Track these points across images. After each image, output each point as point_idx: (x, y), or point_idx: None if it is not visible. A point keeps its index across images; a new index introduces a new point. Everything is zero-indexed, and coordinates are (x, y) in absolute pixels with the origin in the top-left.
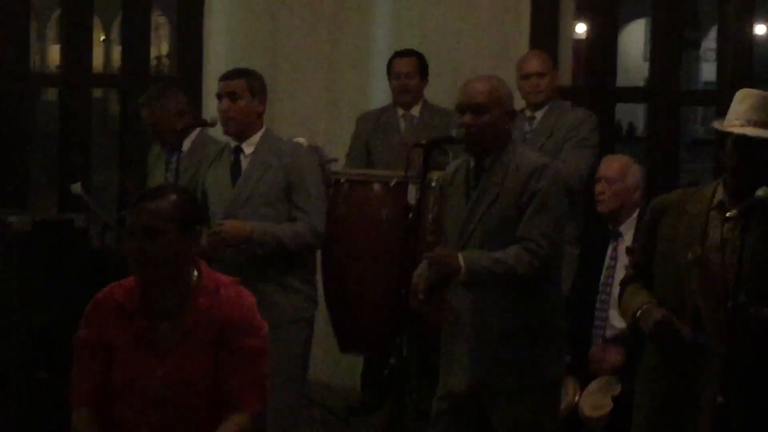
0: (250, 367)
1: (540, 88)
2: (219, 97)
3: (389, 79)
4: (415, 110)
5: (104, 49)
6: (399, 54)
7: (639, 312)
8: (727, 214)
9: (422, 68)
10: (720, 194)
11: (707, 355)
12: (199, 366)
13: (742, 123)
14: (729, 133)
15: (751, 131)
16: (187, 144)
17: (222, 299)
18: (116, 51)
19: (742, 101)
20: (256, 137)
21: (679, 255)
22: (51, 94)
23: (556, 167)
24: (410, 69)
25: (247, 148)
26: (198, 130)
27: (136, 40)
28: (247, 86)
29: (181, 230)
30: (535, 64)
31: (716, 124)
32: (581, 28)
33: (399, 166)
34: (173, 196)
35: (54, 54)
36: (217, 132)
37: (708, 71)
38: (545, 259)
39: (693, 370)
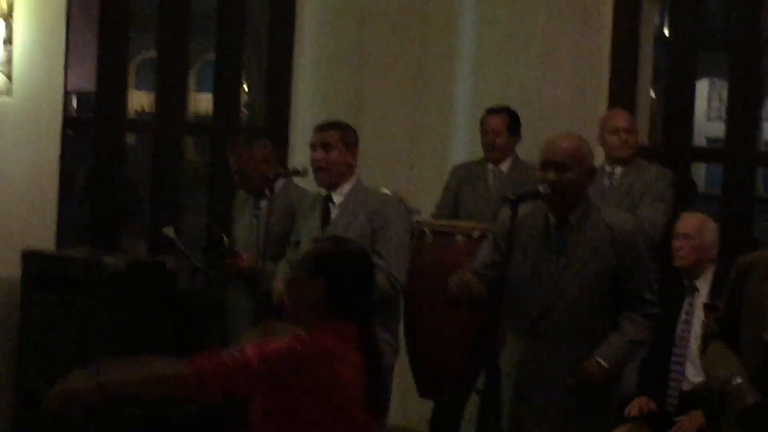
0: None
1: (629, 144)
2: (312, 146)
3: (481, 135)
4: (504, 165)
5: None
6: (490, 111)
7: (730, 385)
8: None
9: (512, 125)
10: None
11: None
12: None
13: None
14: None
15: None
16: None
17: None
18: (203, 99)
19: None
20: (347, 187)
21: (765, 316)
22: (129, 138)
23: (644, 223)
24: (498, 126)
25: (337, 198)
26: (284, 181)
27: (226, 89)
28: (341, 138)
29: None
30: (623, 120)
31: None
32: (659, 89)
33: (484, 219)
34: None
35: (134, 99)
36: (306, 181)
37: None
38: (657, 319)
39: None
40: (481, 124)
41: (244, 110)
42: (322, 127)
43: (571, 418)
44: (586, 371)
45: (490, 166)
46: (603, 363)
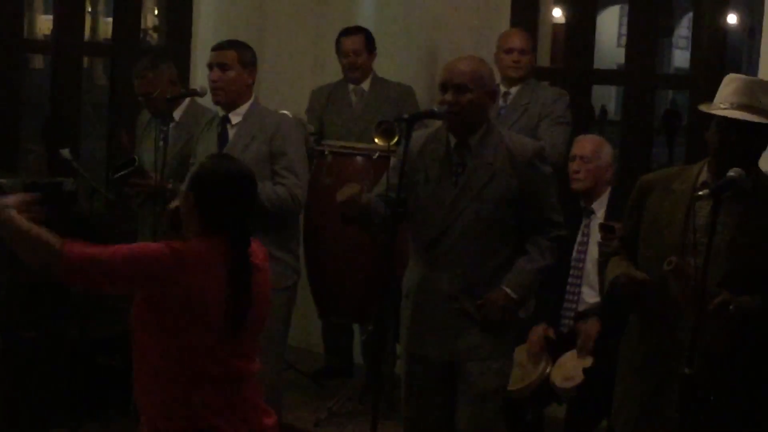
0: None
1: (520, 64)
2: (210, 66)
3: (338, 57)
4: (365, 84)
5: (91, 21)
6: (345, 32)
7: (617, 279)
8: (699, 194)
9: (369, 44)
10: (704, 175)
11: (678, 330)
12: None
13: (726, 106)
14: (714, 115)
15: (731, 113)
16: (178, 113)
17: None
18: (103, 23)
19: (728, 85)
20: (244, 108)
21: (662, 233)
22: (37, 62)
23: (546, 147)
24: (357, 46)
25: (235, 118)
26: (189, 99)
27: (126, 11)
28: (238, 57)
29: None
30: (518, 40)
31: (703, 107)
32: (559, 12)
33: (350, 139)
34: None
35: (42, 23)
36: (208, 102)
37: (679, 58)
38: (562, 239)
39: (666, 342)
40: (337, 47)
41: (153, 33)
42: (219, 47)
43: (471, 341)
44: (492, 302)
45: (351, 86)
46: (511, 293)
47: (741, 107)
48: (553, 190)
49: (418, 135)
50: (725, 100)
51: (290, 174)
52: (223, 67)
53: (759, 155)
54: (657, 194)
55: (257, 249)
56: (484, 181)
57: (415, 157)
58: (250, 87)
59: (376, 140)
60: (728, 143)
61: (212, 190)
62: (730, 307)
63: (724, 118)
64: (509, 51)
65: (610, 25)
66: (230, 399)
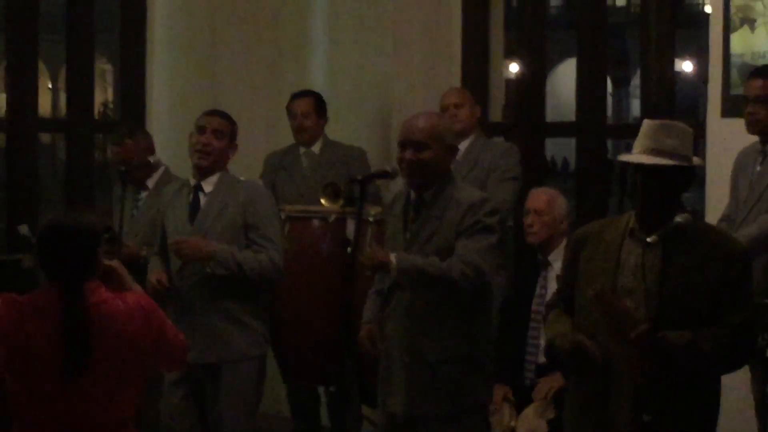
0: None
1: (458, 118)
2: (201, 129)
3: (289, 120)
4: (316, 148)
5: (52, 97)
6: (296, 95)
7: (555, 339)
8: (648, 240)
9: (319, 107)
10: (632, 221)
11: (618, 379)
12: None
13: (639, 151)
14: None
15: (636, 158)
16: (151, 182)
17: None
18: (64, 98)
19: (641, 130)
20: (216, 176)
21: (595, 280)
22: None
23: (495, 202)
24: (306, 109)
25: (207, 187)
26: (163, 168)
27: (80, 87)
28: (231, 130)
29: None
30: (450, 97)
31: (621, 156)
32: (510, 68)
33: (302, 202)
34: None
35: (3, 102)
36: (178, 172)
37: (637, 107)
38: (477, 272)
39: (605, 393)
40: (288, 110)
41: (111, 105)
42: (216, 113)
43: (436, 391)
44: (373, 251)
45: (302, 149)
46: (393, 259)
47: (645, 151)
48: (482, 236)
49: (395, 193)
50: (637, 145)
51: (268, 242)
52: (217, 133)
53: (676, 196)
54: (590, 246)
55: (129, 295)
56: (429, 233)
57: (389, 213)
58: (228, 161)
59: (323, 201)
60: (637, 187)
61: (44, 242)
62: (658, 334)
63: (633, 163)
64: (445, 109)
65: (569, 77)
66: None
